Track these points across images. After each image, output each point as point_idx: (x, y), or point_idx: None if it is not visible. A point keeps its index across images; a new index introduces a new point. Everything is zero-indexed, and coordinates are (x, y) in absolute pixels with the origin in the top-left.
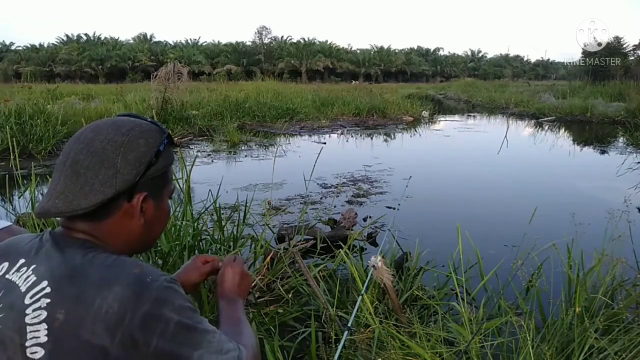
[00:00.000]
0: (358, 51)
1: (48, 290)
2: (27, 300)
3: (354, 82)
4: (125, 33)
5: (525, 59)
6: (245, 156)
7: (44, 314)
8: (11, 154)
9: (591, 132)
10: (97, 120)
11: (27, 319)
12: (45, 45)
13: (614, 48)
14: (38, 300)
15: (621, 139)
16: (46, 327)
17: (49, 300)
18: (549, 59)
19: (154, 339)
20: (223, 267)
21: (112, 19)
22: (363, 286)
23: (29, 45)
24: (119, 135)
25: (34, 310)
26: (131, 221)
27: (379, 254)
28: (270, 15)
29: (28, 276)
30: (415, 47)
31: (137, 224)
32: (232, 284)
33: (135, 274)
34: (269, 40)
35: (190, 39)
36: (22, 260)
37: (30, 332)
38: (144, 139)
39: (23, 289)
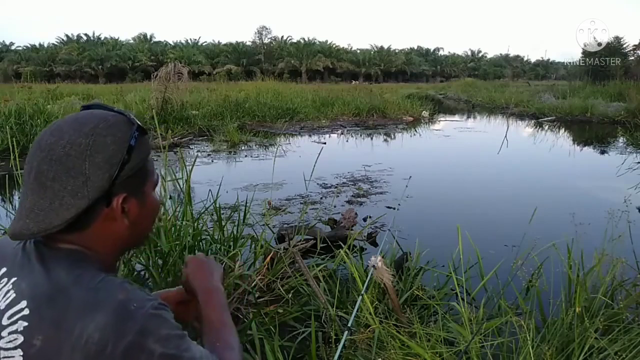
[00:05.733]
0: (358, 51)
1: (26, 312)
2: (4, 321)
3: (354, 82)
4: (125, 33)
5: (525, 59)
6: (245, 156)
7: (20, 338)
8: (11, 154)
9: (591, 132)
10: (57, 120)
11: (2, 343)
12: (45, 45)
13: (614, 48)
14: (15, 322)
15: (621, 139)
16: (21, 353)
17: (26, 324)
18: (549, 59)
19: None
20: (185, 266)
21: (112, 19)
22: (363, 286)
23: (29, 45)
24: (82, 136)
25: (9, 334)
26: (114, 224)
27: (379, 254)
28: (270, 15)
29: (8, 291)
30: (415, 47)
31: (121, 226)
32: (200, 273)
33: (120, 300)
34: (269, 40)
35: (190, 39)
36: (4, 269)
37: (4, 357)
38: (112, 136)
39: (2, 306)
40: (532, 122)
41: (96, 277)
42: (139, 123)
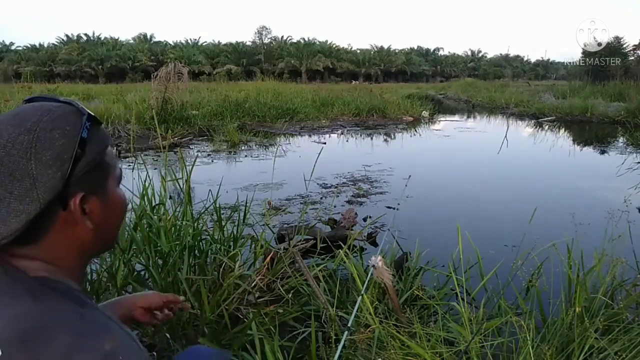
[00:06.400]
0: (358, 51)
1: None
2: None
3: (354, 82)
4: (125, 33)
5: (525, 59)
6: (245, 156)
7: None
8: None
9: (591, 132)
10: None
11: None
12: (45, 45)
13: (614, 48)
14: None
15: (621, 139)
16: None
17: None
18: (549, 59)
19: None
20: None
21: (112, 19)
22: (363, 286)
23: (29, 45)
24: (24, 132)
25: None
26: (76, 229)
27: (379, 254)
28: (270, 15)
29: None
30: (415, 47)
31: (84, 229)
32: None
33: (106, 351)
34: (269, 40)
35: (190, 39)
36: None
37: None
38: (59, 130)
39: None
40: (532, 122)
41: (76, 311)
42: (90, 112)
